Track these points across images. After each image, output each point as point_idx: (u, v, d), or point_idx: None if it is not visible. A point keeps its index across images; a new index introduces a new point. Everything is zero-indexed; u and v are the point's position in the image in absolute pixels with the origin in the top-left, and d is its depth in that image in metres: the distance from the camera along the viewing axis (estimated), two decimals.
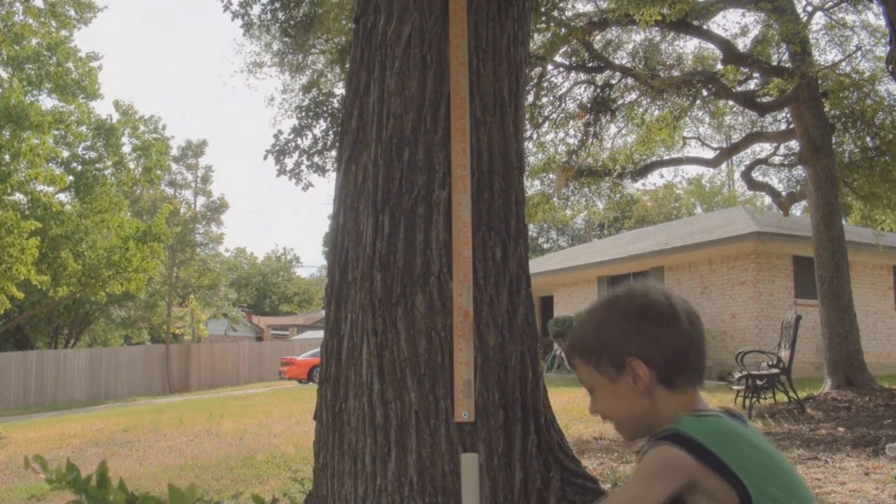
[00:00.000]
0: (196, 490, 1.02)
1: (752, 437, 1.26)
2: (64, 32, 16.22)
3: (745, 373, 7.83)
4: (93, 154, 18.48)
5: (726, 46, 11.25)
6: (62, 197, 18.64)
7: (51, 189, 17.09)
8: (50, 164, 16.61)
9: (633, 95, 12.62)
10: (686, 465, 1.21)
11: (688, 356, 1.33)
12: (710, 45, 12.35)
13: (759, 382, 7.70)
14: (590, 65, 12.00)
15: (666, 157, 14.30)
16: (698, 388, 1.36)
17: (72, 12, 15.56)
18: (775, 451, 1.28)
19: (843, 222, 12.02)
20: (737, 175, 21.60)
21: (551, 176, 13.29)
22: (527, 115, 10.38)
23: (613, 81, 12.43)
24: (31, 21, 14.93)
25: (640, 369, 1.31)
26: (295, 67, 11.44)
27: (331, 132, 9.36)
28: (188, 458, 6.91)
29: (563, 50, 11.05)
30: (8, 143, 13.97)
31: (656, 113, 12.62)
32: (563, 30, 6.87)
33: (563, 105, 12.59)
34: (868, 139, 11.67)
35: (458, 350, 2.56)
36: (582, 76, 12.47)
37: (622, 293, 1.39)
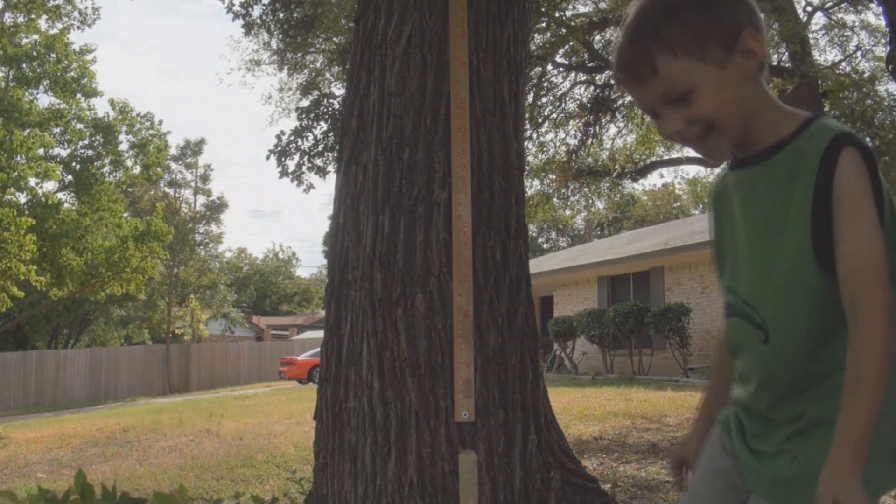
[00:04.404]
0: (185, 492, 1.01)
1: None
2: (58, 26, 16.20)
3: None
4: (90, 152, 18.49)
5: None
6: (61, 196, 18.65)
7: (51, 186, 17.08)
8: (50, 163, 16.60)
9: None
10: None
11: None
12: None
13: None
14: (590, 65, 11.99)
15: (666, 157, 14.30)
16: None
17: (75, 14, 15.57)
18: None
19: None
20: None
21: (551, 176, 13.29)
22: (527, 115, 10.36)
23: (613, 81, 12.42)
24: (18, 17, 14.92)
25: (755, 43, 1.06)
26: (293, 66, 11.42)
27: (331, 133, 9.36)
28: (188, 458, 6.90)
29: (563, 50, 11.04)
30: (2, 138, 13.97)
31: None
32: (563, 30, 6.87)
33: (563, 105, 12.59)
34: (868, 139, 11.66)
35: (458, 350, 2.56)
36: (582, 76, 12.47)
37: None
